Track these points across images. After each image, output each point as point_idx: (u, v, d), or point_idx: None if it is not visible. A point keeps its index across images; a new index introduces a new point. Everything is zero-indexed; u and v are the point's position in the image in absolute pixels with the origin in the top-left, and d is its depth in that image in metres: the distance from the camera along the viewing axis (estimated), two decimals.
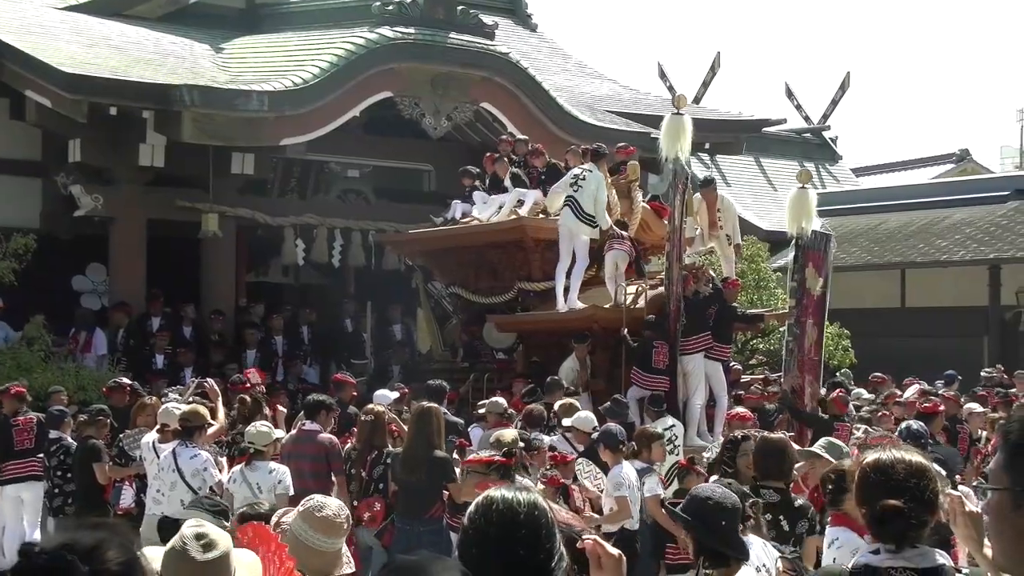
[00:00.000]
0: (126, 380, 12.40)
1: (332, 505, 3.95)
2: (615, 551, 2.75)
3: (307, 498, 4.05)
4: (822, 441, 7.07)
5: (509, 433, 8.54)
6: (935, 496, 3.12)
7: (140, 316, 16.07)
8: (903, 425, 9.47)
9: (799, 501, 6.55)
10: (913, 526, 3.09)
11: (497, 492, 2.56)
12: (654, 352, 11.87)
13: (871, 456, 3.35)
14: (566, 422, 10.11)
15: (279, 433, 9.03)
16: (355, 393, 12.44)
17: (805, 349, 12.00)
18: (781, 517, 6.43)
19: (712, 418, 12.28)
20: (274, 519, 4.07)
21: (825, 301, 12.29)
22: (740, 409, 10.36)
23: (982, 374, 17.02)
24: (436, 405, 9.20)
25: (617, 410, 10.41)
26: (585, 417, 10.04)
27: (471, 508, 2.58)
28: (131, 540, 2.05)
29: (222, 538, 3.11)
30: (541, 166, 14.51)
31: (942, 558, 3.23)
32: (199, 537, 3.07)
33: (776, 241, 23.30)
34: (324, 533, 3.83)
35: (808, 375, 11.92)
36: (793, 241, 12.26)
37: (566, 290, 13.06)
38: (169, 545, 3.12)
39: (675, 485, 9.70)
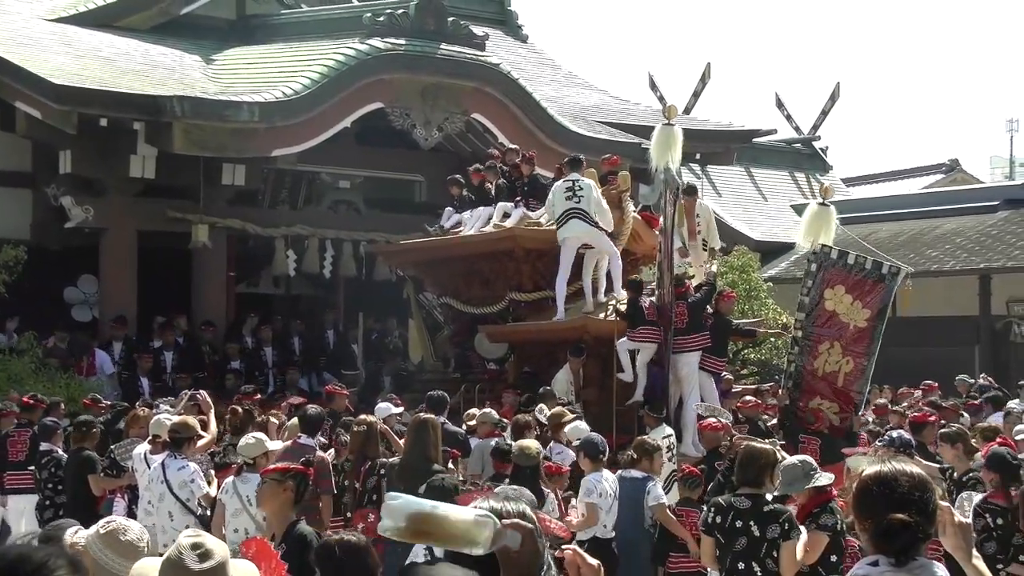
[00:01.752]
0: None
1: (134, 528, 3.89)
2: (594, 561, 2.75)
3: (108, 520, 3.98)
4: (780, 469, 6.98)
5: (533, 444, 8.53)
6: (936, 508, 3.12)
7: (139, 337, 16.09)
8: (893, 434, 9.47)
9: (770, 506, 6.53)
10: (919, 539, 3.09)
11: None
12: (643, 308, 12.18)
13: (871, 469, 3.34)
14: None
15: (273, 445, 8.98)
16: (348, 405, 12.42)
17: (816, 370, 11.80)
18: (751, 523, 6.44)
19: None
20: (68, 538, 3.96)
21: (871, 335, 11.71)
22: (711, 420, 10.42)
23: (964, 380, 17.03)
24: (433, 417, 9.19)
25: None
26: (577, 427, 10.05)
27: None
28: (79, 556, 2.02)
29: (218, 547, 3.12)
30: (526, 175, 14.55)
31: (940, 571, 3.23)
32: (195, 547, 3.07)
33: (767, 251, 23.37)
34: (125, 558, 3.75)
35: (824, 399, 11.72)
36: (812, 255, 12.02)
37: (584, 293, 13.21)
38: (166, 555, 3.13)
39: (675, 494, 9.71)
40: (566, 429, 10.18)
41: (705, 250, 14.02)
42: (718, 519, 6.52)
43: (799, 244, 12.12)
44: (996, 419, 12.79)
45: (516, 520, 2.37)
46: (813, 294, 11.89)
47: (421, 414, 9.17)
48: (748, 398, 12.75)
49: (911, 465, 3.20)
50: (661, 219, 12.73)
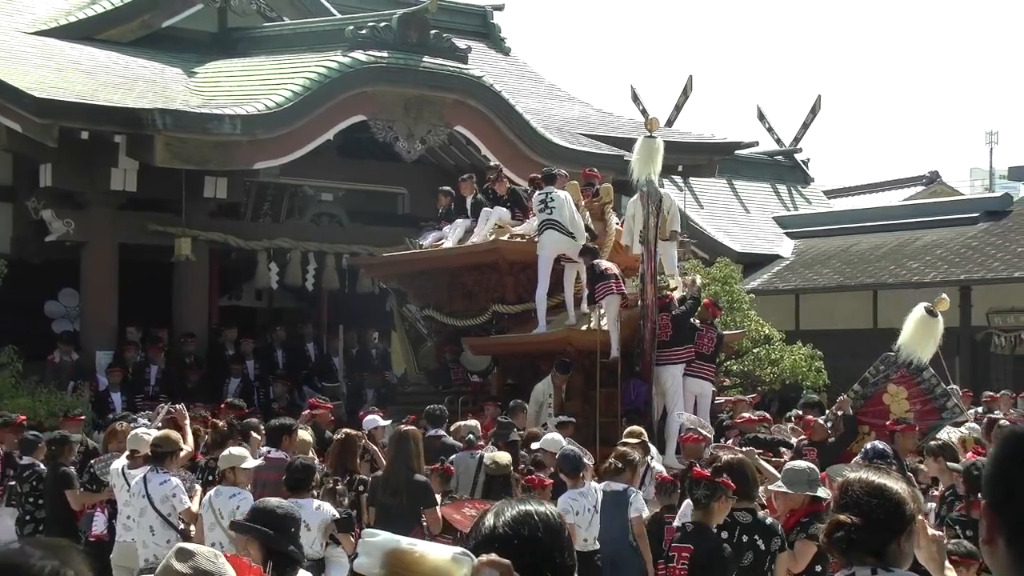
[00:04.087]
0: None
1: (201, 555, 3.84)
2: None
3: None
4: (786, 468, 7.03)
5: (505, 456, 8.55)
6: (889, 517, 3.10)
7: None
8: (867, 446, 9.52)
9: (768, 520, 6.59)
10: (854, 543, 3.10)
11: (529, 505, 2.53)
12: (599, 268, 12.61)
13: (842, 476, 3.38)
14: (534, 445, 10.13)
15: (251, 463, 8.92)
16: (332, 418, 12.37)
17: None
18: (756, 537, 6.46)
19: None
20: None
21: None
22: (693, 432, 10.43)
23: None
24: (414, 428, 9.19)
25: (502, 433, 10.52)
26: (553, 438, 10.03)
27: (507, 520, 2.49)
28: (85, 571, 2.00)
29: (204, 551, 3.16)
30: (503, 192, 14.66)
31: None
32: (181, 554, 3.11)
33: (749, 263, 23.42)
34: None
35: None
36: (902, 356, 11.85)
37: (576, 304, 13.25)
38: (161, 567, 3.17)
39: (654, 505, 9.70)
40: (541, 441, 10.12)
41: (670, 240, 13.72)
42: (723, 534, 6.52)
43: (901, 345, 11.93)
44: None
45: (493, 557, 2.37)
46: (879, 379, 11.89)
47: (401, 426, 9.18)
48: (745, 414, 12.78)
49: (881, 474, 3.21)
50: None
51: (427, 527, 8.35)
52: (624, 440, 10.08)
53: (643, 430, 10.44)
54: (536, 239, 13.36)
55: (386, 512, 8.51)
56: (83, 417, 12.21)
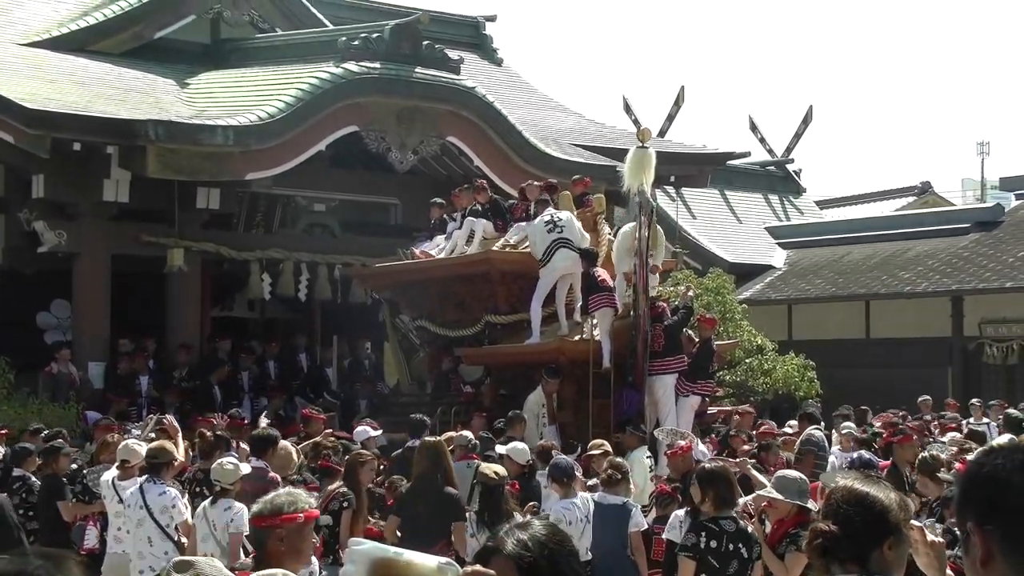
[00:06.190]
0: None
1: (201, 563, 3.83)
2: None
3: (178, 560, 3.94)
4: (777, 476, 7.06)
5: (500, 468, 8.54)
6: (868, 525, 3.10)
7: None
8: (855, 455, 9.53)
9: (749, 528, 6.64)
10: (829, 551, 3.12)
11: (558, 526, 2.62)
12: (596, 277, 12.67)
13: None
14: (500, 449, 10.08)
15: (247, 468, 8.91)
16: (328, 429, 12.35)
17: None
18: (740, 545, 6.49)
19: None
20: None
21: None
22: (681, 442, 10.44)
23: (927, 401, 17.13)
24: (441, 440, 9.20)
25: (484, 447, 10.51)
26: (520, 448, 9.95)
27: (552, 532, 2.52)
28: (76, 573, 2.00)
29: (202, 560, 3.17)
30: (484, 202, 14.71)
31: None
32: (180, 566, 3.12)
33: (741, 273, 23.47)
34: None
35: None
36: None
37: (568, 314, 13.30)
38: None
39: (654, 512, 9.71)
40: (507, 448, 10.02)
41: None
42: (712, 543, 6.52)
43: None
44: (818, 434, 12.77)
45: (477, 568, 2.37)
46: None
47: (431, 438, 9.24)
48: (770, 422, 12.75)
49: (867, 484, 3.22)
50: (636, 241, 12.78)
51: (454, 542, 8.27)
52: (589, 453, 10.06)
53: (605, 441, 10.40)
54: (528, 250, 13.37)
55: (412, 523, 8.40)
56: (4, 431, 12.16)
